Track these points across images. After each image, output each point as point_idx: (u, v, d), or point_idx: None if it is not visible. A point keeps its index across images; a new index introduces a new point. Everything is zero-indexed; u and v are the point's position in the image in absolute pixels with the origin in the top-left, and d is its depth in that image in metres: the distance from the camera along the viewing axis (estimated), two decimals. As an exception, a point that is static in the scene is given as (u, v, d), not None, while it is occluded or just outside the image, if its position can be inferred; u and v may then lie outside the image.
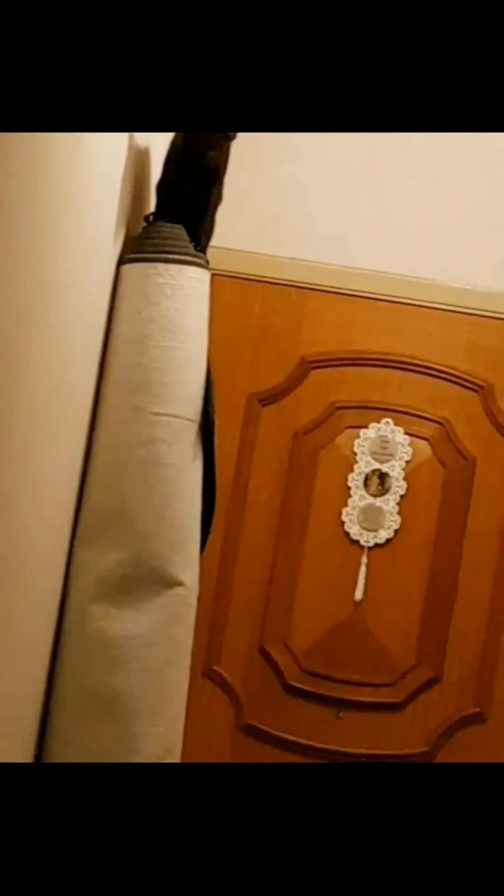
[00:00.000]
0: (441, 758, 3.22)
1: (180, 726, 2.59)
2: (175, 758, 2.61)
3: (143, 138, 2.69)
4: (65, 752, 2.54)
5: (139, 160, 2.69)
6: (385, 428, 3.17)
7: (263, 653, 3.19)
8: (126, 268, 2.56)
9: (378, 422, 3.18)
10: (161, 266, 2.55)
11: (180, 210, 2.59)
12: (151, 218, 2.60)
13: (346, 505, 3.19)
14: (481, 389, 3.16)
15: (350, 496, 3.19)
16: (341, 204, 3.31)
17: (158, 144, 2.72)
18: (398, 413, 3.21)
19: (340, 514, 3.17)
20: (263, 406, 3.23)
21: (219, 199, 2.68)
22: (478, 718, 3.14)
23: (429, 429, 3.20)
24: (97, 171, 2.30)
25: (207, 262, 2.58)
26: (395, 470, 3.18)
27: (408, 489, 3.17)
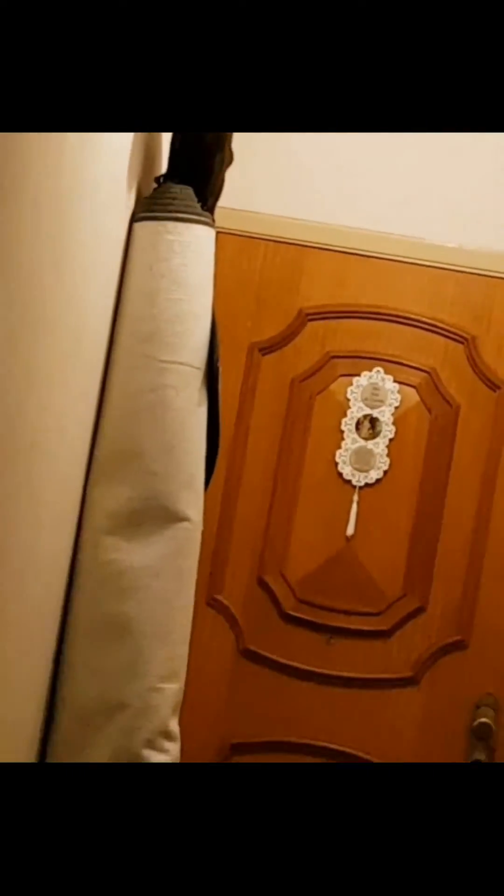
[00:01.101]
0: (425, 682, 3.18)
1: (185, 651, 2.63)
2: (180, 681, 2.64)
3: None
4: (77, 675, 2.61)
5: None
6: (376, 376, 3.15)
7: (262, 583, 3.20)
8: (138, 225, 2.60)
9: (370, 370, 3.16)
10: (170, 224, 2.59)
11: (189, 172, 2.63)
12: (162, 179, 2.63)
13: (339, 447, 3.17)
14: (466, 341, 3.11)
15: (343, 439, 3.18)
16: (338, 167, 3.33)
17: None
18: (388, 362, 3.20)
19: (334, 455, 3.17)
20: (263, 355, 3.23)
21: (228, 160, 2.72)
22: (459, 646, 3.13)
23: (416, 377, 3.17)
24: (110, 133, 2.34)
25: (213, 220, 2.61)
26: (385, 415, 3.16)
27: (396, 433, 3.14)
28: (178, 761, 2.71)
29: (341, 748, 3.28)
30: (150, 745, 2.60)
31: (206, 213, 2.62)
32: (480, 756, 3.12)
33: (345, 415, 3.21)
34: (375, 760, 3.24)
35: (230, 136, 2.70)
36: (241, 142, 2.72)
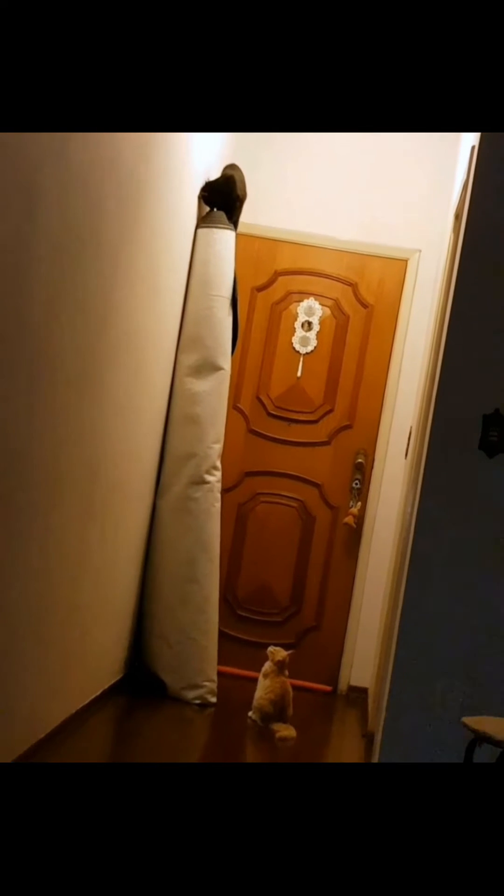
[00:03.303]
0: (333, 443, 4.75)
1: (222, 429, 4.10)
2: (220, 443, 4.07)
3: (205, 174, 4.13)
4: (172, 439, 4.04)
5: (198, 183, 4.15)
6: (311, 302, 4.82)
7: (258, 399, 4.86)
8: (199, 230, 4.08)
9: (308, 299, 4.83)
10: (214, 230, 4.10)
11: (224, 205, 4.14)
12: (210, 209, 4.13)
13: (293, 335, 4.83)
14: (352, 285, 4.83)
15: (295, 332, 4.82)
16: (297, 198, 4.83)
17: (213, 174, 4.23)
18: (316, 295, 4.83)
19: (291, 340, 4.84)
20: (258, 292, 4.86)
21: (243, 198, 4.20)
22: (348, 427, 4.82)
23: (329, 302, 4.81)
24: (192, 196, 4.03)
25: (235, 229, 4.12)
26: (315, 320, 4.81)
27: (320, 328, 4.81)
28: (220, 482, 4.11)
29: (295, 473, 4.89)
30: (208, 472, 4.12)
31: (231, 225, 4.10)
32: (358, 476, 4.79)
33: (296, 320, 4.81)
34: (308, 478, 4.85)
35: (244, 185, 4.10)
36: (249, 186, 4.17)
